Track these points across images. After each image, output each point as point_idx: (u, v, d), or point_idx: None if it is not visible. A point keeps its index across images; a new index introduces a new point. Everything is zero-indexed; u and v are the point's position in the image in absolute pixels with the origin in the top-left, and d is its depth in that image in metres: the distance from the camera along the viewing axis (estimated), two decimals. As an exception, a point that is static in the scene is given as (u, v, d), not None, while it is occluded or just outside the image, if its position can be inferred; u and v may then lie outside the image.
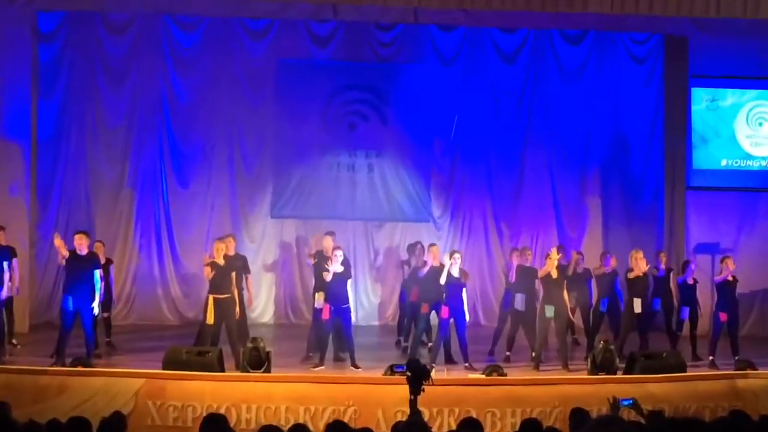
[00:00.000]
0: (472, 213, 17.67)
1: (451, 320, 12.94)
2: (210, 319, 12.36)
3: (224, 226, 16.91)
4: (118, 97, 16.93)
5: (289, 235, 17.37)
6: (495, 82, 17.67)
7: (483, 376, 11.54)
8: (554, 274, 12.85)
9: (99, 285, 12.52)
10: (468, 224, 17.65)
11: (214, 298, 12.36)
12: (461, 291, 12.98)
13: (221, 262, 12.50)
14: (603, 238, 17.66)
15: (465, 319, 13.04)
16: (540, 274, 13.14)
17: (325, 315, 12.70)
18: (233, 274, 12.72)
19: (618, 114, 17.73)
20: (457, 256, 13.05)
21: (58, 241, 12.53)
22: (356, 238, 17.41)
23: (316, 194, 17.30)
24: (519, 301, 13.54)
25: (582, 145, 17.78)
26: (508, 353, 13.69)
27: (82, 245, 12.45)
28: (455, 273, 12.88)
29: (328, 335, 12.97)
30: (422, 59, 17.52)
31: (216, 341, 12.47)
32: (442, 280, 12.79)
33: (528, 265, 13.88)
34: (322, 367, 12.62)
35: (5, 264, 13.10)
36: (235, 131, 17.21)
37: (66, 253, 12.42)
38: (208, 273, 12.44)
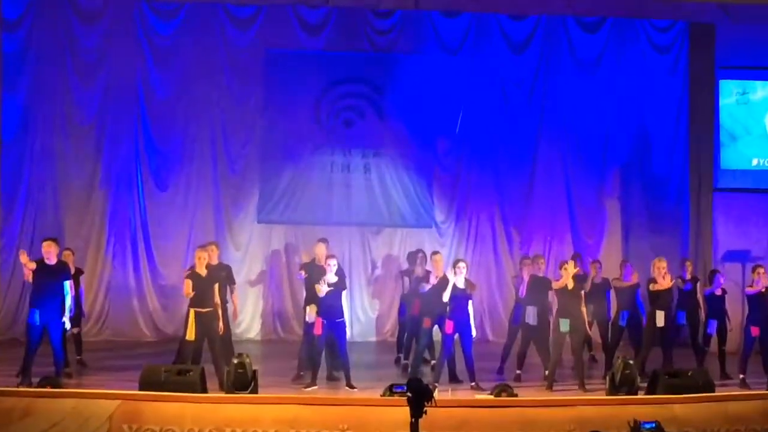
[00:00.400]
0: (478, 218, 17.68)
1: (456, 335, 12.92)
2: (191, 335, 12.34)
3: (206, 232, 16.91)
4: (89, 91, 16.94)
5: (277, 242, 17.37)
6: (504, 73, 17.70)
7: (491, 397, 11.51)
8: (570, 284, 12.84)
9: (69, 297, 12.49)
10: (474, 230, 17.66)
11: (196, 312, 12.34)
12: (467, 303, 12.97)
13: (203, 272, 12.49)
14: (622, 245, 17.67)
15: (471, 335, 13.03)
16: (555, 286, 13.10)
17: (318, 330, 12.70)
18: (216, 285, 12.70)
19: (639, 109, 17.75)
20: (462, 265, 13.03)
21: (23, 258, 12.45)
22: (352, 245, 17.42)
23: (307, 197, 17.30)
24: (530, 315, 13.53)
25: (599, 143, 17.80)
26: (518, 371, 13.67)
27: (50, 253, 12.41)
28: (460, 284, 12.87)
29: (321, 352, 12.96)
30: (423, 49, 17.53)
31: (198, 359, 12.44)
32: (446, 297, 12.76)
33: (541, 275, 13.87)
34: (315, 387, 12.61)
35: None
36: (218, 128, 17.21)
37: (33, 266, 12.36)
38: (188, 286, 12.40)
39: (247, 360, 11.57)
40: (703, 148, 17.46)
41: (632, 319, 14.24)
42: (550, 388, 12.82)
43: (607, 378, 12.32)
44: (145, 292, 16.98)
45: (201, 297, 12.38)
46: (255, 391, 11.44)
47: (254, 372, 11.56)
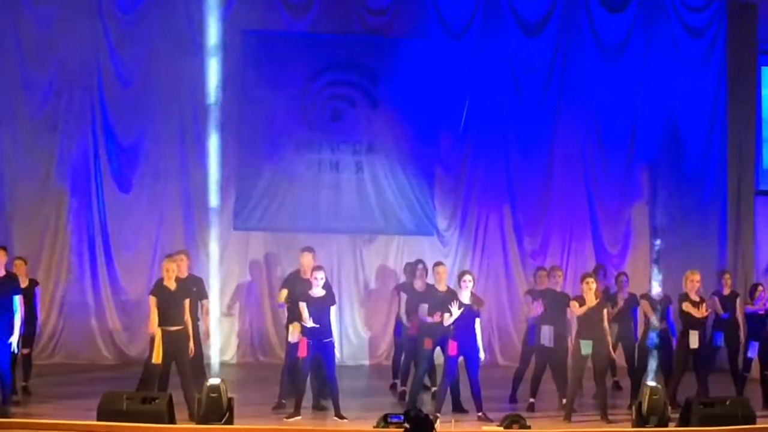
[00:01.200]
0: (486, 224, 17.76)
1: (461, 358, 12.95)
2: (157, 358, 12.35)
3: (175, 240, 16.94)
4: (42, 79, 16.95)
5: (256, 251, 17.40)
6: (516, 59, 17.79)
7: (500, 429, 11.56)
8: (593, 301, 12.88)
9: (19, 314, 12.48)
10: (482, 238, 17.74)
11: (164, 331, 12.37)
12: (474, 322, 12.99)
13: (171, 286, 12.52)
14: (651, 255, 17.69)
15: (479, 358, 13.05)
16: (575, 310, 13.06)
17: (302, 352, 12.69)
18: (187, 301, 12.73)
19: (669, 100, 17.83)
20: (468, 278, 13.05)
21: None
22: (341, 255, 17.49)
23: (290, 201, 17.35)
24: (546, 335, 13.56)
25: (625, 139, 17.89)
26: (532, 400, 13.70)
27: None
28: (466, 299, 12.91)
29: (306, 377, 12.96)
30: (423, 32, 17.59)
31: (165, 385, 12.46)
32: (448, 321, 12.79)
33: (558, 289, 13.91)
34: (299, 418, 12.61)
35: None
36: (188, 121, 17.22)
37: None
38: (153, 303, 12.42)
39: (222, 386, 11.59)
40: (743, 144, 17.53)
41: (663, 340, 14.26)
42: (568, 418, 12.84)
43: (634, 407, 12.36)
44: (105, 308, 16.99)
45: (169, 314, 12.39)
46: (230, 421, 11.47)
47: (230, 400, 11.59)
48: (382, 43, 17.51)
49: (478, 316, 13.10)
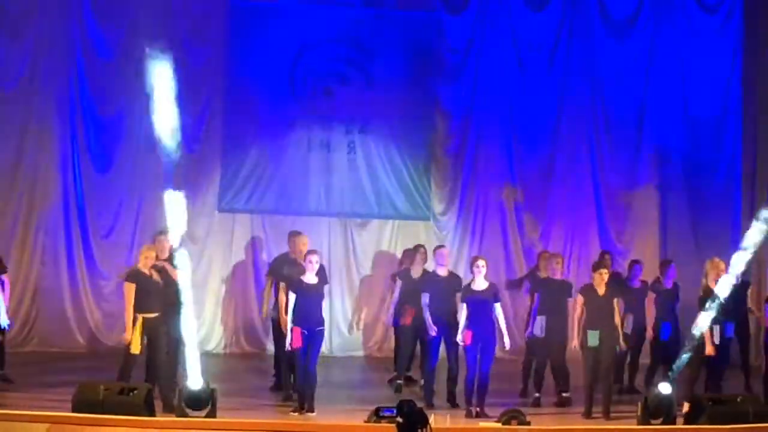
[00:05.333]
0: (486, 209, 17.74)
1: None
2: (136, 348, 12.35)
3: (156, 222, 16.87)
4: (15, 51, 16.91)
5: (242, 235, 17.39)
6: (519, 35, 17.74)
7: (499, 425, 11.55)
8: (601, 290, 12.87)
9: None
10: (481, 224, 17.72)
11: (144, 319, 12.35)
12: (491, 309, 12.92)
13: (149, 271, 12.49)
14: (661, 242, 17.71)
15: (494, 350, 13.02)
16: (576, 310, 13.05)
17: (297, 342, 12.61)
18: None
19: (681, 79, 17.84)
20: (481, 263, 13.00)
21: None
22: (332, 240, 17.48)
23: (278, 182, 17.36)
24: (539, 326, 13.60)
25: (633, 121, 17.89)
26: (537, 395, 13.70)
27: None
28: (480, 286, 12.89)
29: (304, 367, 12.82)
30: (421, 4, 17.55)
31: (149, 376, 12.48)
32: (461, 320, 12.82)
33: (558, 277, 13.90)
34: (313, 414, 12.55)
35: None
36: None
37: None
38: (129, 290, 12.38)
39: (204, 376, 11.58)
40: (759, 126, 17.50)
41: (676, 332, 14.26)
42: (588, 414, 12.80)
43: (639, 404, 12.35)
44: (81, 293, 16.98)
45: (147, 300, 12.37)
46: (213, 414, 11.45)
47: (212, 391, 11.58)
48: (378, 16, 17.48)
49: (498, 302, 13.03)
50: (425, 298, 13.42)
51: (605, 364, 12.99)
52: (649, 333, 14.36)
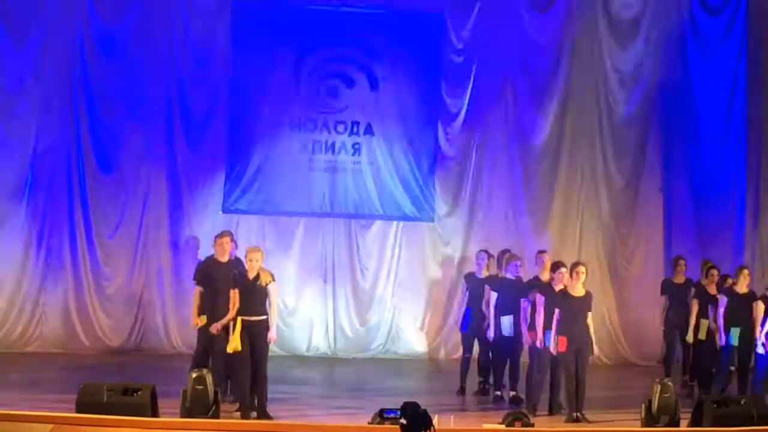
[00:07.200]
0: (490, 211, 17.72)
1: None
2: (239, 346, 12.21)
3: (161, 224, 16.99)
4: (20, 53, 16.91)
5: (245, 235, 17.35)
6: (525, 36, 17.71)
7: (502, 427, 11.55)
8: (580, 291, 12.88)
9: None
10: (486, 225, 17.68)
11: (244, 321, 12.28)
12: (585, 317, 12.91)
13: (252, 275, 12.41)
14: (665, 244, 17.71)
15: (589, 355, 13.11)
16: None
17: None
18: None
19: (685, 81, 17.80)
20: (581, 269, 12.94)
21: None
22: (336, 241, 17.50)
23: (282, 183, 17.35)
24: (508, 325, 13.72)
25: (636, 121, 17.83)
26: (498, 393, 13.97)
27: None
28: (579, 292, 12.85)
29: None
30: (427, 3, 17.56)
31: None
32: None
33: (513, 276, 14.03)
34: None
35: None
36: (175, 96, 17.22)
37: None
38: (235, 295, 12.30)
39: (208, 377, 11.59)
40: (764, 129, 17.50)
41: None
42: (570, 419, 12.83)
43: (643, 405, 12.36)
44: (85, 294, 16.97)
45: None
46: (216, 414, 11.47)
47: (215, 392, 11.59)
48: (383, 17, 17.46)
49: (590, 310, 13.00)
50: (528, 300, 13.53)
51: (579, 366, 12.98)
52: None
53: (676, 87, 17.76)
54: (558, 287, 12.94)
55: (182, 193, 17.25)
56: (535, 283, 13.61)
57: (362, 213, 17.62)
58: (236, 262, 13.16)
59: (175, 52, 17.20)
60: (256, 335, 12.04)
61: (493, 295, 13.85)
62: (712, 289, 14.57)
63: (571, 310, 12.69)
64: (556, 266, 13.25)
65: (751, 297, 14.23)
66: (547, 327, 12.90)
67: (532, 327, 13.15)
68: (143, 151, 17.16)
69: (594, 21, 17.77)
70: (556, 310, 12.73)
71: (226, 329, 12.37)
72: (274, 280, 12.25)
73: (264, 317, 12.11)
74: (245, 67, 17.27)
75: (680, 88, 17.78)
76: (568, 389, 12.74)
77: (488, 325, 13.98)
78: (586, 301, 12.79)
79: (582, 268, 12.93)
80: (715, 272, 14.76)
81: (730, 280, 14.61)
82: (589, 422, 12.50)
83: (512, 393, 13.77)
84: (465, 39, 17.62)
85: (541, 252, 14.21)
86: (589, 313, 12.76)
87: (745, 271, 14.60)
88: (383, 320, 17.49)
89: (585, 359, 12.82)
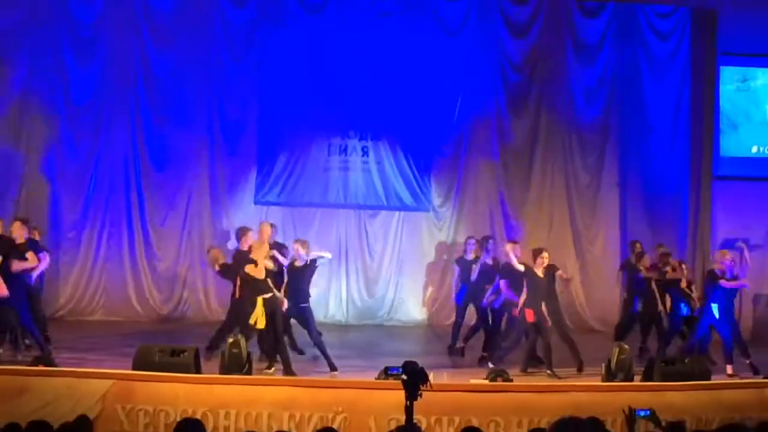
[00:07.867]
0: (477, 202, 17.67)
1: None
2: (262, 323, 12.36)
3: (203, 213, 16.98)
4: (86, 71, 16.91)
5: (274, 223, 17.34)
6: (504, 57, 17.67)
7: (486, 382, 11.53)
8: (541, 273, 12.94)
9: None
10: (472, 215, 17.63)
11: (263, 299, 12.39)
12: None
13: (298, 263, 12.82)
14: (621, 230, 17.66)
15: None
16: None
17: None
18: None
19: (639, 95, 17.73)
20: (545, 254, 13.11)
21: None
22: (348, 228, 17.48)
23: (304, 179, 17.36)
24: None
25: (599, 128, 17.77)
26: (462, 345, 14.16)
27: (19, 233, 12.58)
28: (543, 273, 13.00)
29: None
30: (424, 29, 17.48)
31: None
32: None
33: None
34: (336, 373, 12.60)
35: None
36: (214, 108, 17.20)
37: None
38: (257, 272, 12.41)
39: (242, 342, 11.58)
40: (703, 135, 17.45)
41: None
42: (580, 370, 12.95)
43: (603, 365, 12.33)
44: (141, 272, 16.98)
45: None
46: (249, 373, 11.46)
47: (248, 354, 11.59)
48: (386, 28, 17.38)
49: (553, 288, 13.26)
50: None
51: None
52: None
53: (631, 99, 17.69)
54: (538, 270, 12.98)
55: (219, 188, 17.23)
56: (507, 268, 13.57)
57: (370, 204, 17.59)
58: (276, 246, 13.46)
59: (213, 70, 17.17)
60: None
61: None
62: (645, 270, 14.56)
63: (537, 288, 12.84)
64: (537, 252, 13.32)
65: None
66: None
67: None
68: (188, 153, 17.16)
69: (562, 45, 17.69)
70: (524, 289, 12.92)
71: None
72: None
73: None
74: (272, 83, 17.22)
75: (635, 100, 17.71)
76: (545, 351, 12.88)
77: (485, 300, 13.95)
78: (549, 280, 12.96)
79: (545, 254, 13.09)
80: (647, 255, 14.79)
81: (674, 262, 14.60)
82: (559, 378, 12.49)
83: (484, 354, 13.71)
84: (455, 58, 17.52)
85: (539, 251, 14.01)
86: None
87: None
88: (388, 293, 17.47)
89: (552, 327, 12.97)
